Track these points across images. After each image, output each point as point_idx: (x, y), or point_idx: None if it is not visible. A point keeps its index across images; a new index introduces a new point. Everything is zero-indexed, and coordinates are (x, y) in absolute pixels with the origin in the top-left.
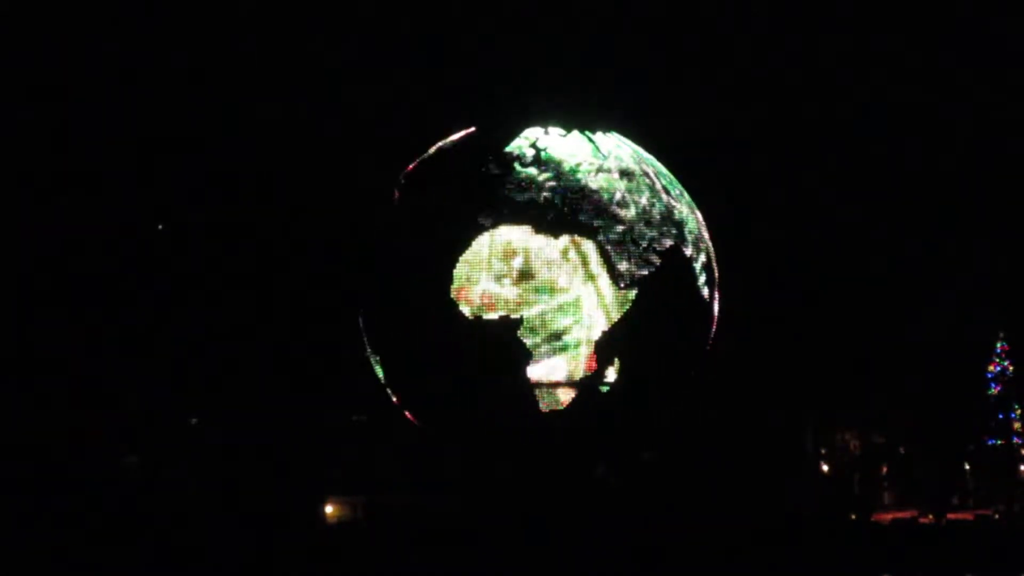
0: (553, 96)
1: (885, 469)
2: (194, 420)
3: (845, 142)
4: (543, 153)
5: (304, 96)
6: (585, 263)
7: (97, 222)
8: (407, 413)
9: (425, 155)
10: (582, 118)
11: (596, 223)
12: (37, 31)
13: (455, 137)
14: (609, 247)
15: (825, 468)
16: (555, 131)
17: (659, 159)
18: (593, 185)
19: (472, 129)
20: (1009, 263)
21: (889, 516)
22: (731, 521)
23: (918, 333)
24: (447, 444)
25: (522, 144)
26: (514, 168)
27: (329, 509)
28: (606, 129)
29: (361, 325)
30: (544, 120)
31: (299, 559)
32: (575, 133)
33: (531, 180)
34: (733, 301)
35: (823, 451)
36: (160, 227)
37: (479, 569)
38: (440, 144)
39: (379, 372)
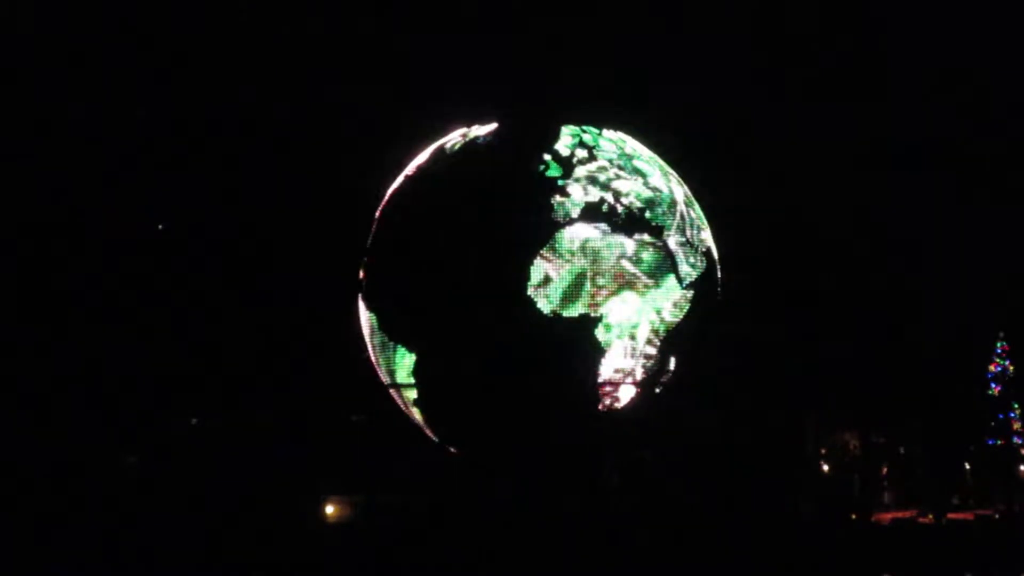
0: (574, 93)
1: (885, 469)
2: (194, 420)
3: (846, 141)
4: (596, 151)
5: (310, 95)
6: (656, 263)
7: (96, 222)
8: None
9: (451, 148)
10: (605, 116)
11: (659, 223)
12: (35, 29)
13: (481, 131)
14: (675, 247)
15: (825, 468)
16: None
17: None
18: (650, 184)
19: (495, 125)
20: (1009, 263)
21: (889, 516)
22: (731, 521)
23: (918, 333)
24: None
25: (571, 141)
26: (573, 165)
27: (329, 509)
28: (616, 128)
29: (374, 324)
30: (576, 118)
31: (299, 559)
32: (607, 132)
33: (593, 178)
34: (734, 300)
35: (823, 451)
36: (160, 227)
37: (479, 569)
38: (467, 137)
39: (403, 360)
